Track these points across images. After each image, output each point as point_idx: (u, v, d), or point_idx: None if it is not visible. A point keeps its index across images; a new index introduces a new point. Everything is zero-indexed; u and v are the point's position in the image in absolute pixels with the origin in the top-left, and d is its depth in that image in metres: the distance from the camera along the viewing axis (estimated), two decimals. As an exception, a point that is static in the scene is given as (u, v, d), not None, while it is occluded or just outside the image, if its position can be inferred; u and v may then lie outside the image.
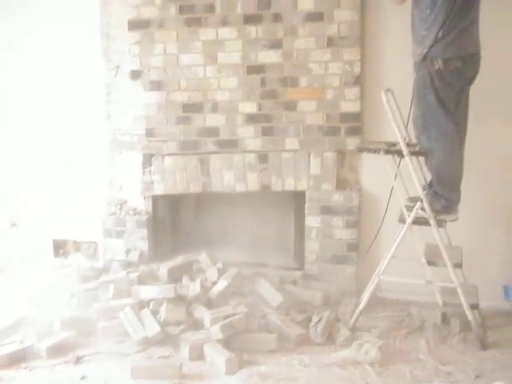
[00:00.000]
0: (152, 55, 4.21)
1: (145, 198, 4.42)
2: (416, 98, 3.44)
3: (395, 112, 3.51)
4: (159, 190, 4.33)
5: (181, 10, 4.14)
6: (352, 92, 4.03)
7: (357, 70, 4.00)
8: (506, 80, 3.85)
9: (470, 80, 3.39)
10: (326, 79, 4.05)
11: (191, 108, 4.21)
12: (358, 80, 4.01)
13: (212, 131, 4.21)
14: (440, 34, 3.24)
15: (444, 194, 3.44)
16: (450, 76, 3.29)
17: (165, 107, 4.24)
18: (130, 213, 4.43)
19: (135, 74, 4.25)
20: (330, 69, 4.03)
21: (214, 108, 4.18)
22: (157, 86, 4.23)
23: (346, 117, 4.06)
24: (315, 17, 4.00)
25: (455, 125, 3.38)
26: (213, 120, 4.20)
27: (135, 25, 4.20)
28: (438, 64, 3.27)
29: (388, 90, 3.47)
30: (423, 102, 3.38)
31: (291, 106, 4.11)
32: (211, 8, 4.10)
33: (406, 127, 3.57)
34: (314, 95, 4.08)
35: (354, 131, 4.06)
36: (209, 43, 4.14)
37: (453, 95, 3.35)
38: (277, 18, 4.04)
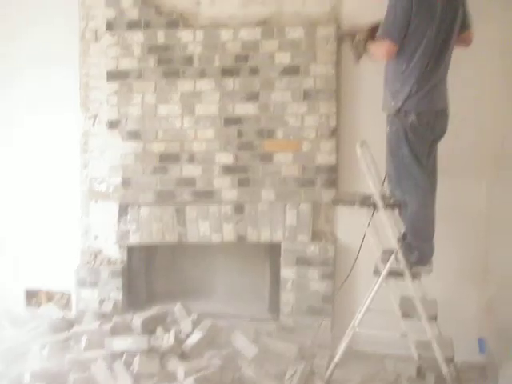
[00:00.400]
0: (130, 105, 4.24)
1: (120, 247, 4.38)
2: (389, 152, 3.48)
3: (370, 165, 3.55)
4: (135, 239, 4.30)
5: (159, 61, 4.19)
6: (328, 144, 4.09)
7: (332, 122, 4.07)
8: (475, 136, 3.95)
9: (440, 135, 3.47)
10: (302, 132, 4.10)
11: (168, 158, 4.23)
12: (334, 133, 4.08)
13: (188, 182, 4.23)
14: (414, 89, 3.30)
15: (418, 246, 3.46)
16: (423, 130, 3.35)
17: (142, 157, 4.25)
18: (105, 262, 4.39)
19: (113, 124, 4.27)
20: (306, 121, 4.09)
21: (191, 159, 4.20)
22: (134, 135, 4.25)
23: (321, 169, 4.10)
24: (292, 70, 4.08)
25: (427, 177, 3.43)
26: (189, 170, 4.22)
27: (114, 75, 4.24)
28: (412, 118, 3.33)
29: (363, 143, 3.52)
30: (397, 155, 3.42)
31: (267, 158, 4.15)
32: (189, 60, 4.16)
33: (384, 181, 3.60)
34: (290, 147, 4.13)
35: (330, 183, 4.11)
36: (186, 95, 4.18)
37: (425, 148, 3.41)
38: (254, 71, 4.11)
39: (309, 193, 4.13)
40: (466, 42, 3.52)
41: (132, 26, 4.21)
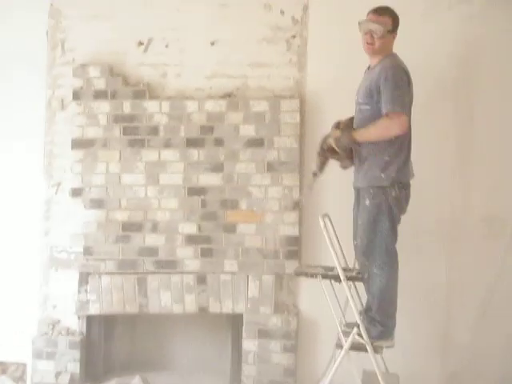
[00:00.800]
0: (94, 174, 4.23)
1: (79, 317, 4.29)
2: (367, 225, 3.42)
3: (332, 237, 3.57)
4: (95, 309, 4.22)
5: (125, 130, 4.22)
6: (291, 216, 4.11)
7: (295, 194, 4.10)
8: (438, 212, 4.05)
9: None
10: (265, 203, 4.13)
11: (131, 227, 4.20)
12: (297, 205, 4.11)
13: (151, 251, 4.19)
14: (402, 160, 3.37)
15: (381, 320, 3.43)
16: (403, 203, 3.40)
17: (104, 225, 4.22)
18: (63, 333, 4.28)
19: (76, 192, 4.25)
20: (270, 193, 4.13)
21: (154, 228, 4.19)
22: (97, 204, 4.23)
23: (284, 240, 4.12)
24: (256, 143, 4.14)
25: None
26: (152, 240, 4.19)
27: (79, 144, 4.24)
28: (395, 191, 3.35)
29: (325, 215, 3.55)
30: (375, 229, 3.39)
31: (231, 229, 4.15)
32: (155, 130, 4.20)
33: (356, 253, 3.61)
34: (253, 218, 4.14)
35: (293, 255, 4.11)
36: (151, 164, 4.20)
37: (399, 221, 3.44)
38: (219, 142, 4.16)
39: (271, 264, 4.12)
40: None
41: (99, 95, 4.25)
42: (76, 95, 4.26)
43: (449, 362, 4.02)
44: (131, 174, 4.22)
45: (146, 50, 4.33)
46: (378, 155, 3.38)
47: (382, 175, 3.36)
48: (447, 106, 4.08)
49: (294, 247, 4.12)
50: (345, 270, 3.47)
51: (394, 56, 3.41)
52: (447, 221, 4.08)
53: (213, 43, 4.30)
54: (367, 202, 3.40)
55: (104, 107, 4.24)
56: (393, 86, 3.23)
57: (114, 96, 4.24)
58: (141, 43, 4.34)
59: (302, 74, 4.24)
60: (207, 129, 4.17)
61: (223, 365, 4.35)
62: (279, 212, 4.12)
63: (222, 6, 4.31)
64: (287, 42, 4.26)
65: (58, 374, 4.20)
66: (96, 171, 4.23)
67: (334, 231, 3.63)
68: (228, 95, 4.24)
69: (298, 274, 3.74)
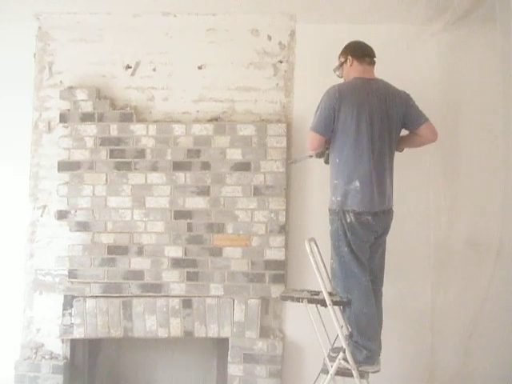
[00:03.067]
0: (80, 196, 4.22)
1: (63, 341, 4.25)
2: (332, 250, 3.51)
3: (318, 261, 3.58)
4: (79, 333, 4.18)
5: (111, 153, 4.22)
6: (277, 240, 4.12)
7: (282, 218, 4.11)
8: (424, 236, 4.09)
9: (382, 233, 3.52)
10: (251, 227, 4.14)
11: (116, 250, 4.19)
12: (283, 228, 4.12)
13: (136, 274, 4.18)
14: (344, 183, 3.40)
15: (365, 344, 3.43)
16: (362, 230, 3.40)
17: (90, 248, 4.20)
18: (46, 357, 4.23)
19: (62, 214, 4.23)
20: (256, 217, 4.13)
21: (140, 251, 4.17)
22: (83, 226, 4.21)
23: (270, 264, 4.12)
24: (242, 166, 4.15)
25: (369, 276, 3.45)
26: (138, 263, 4.18)
27: (65, 166, 4.23)
28: (350, 217, 3.38)
29: (311, 240, 3.56)
30: (338, 254, 3.45)
31: (217, 252, 4.15)
32: (141, 153, 4.20)
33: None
34: (239, 242, 4.14)
35: (278, 279, 4.11)
36: (137, 187, 4.20)
37: (365, 247, 3.45)
38: (205, 166, 4.18)
39: (257, 288, 4.12)
40: (427, 136, 3.58)
41: (86, 118, 4.25)
42: (63, 118, 4.26)
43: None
44: (117, 196, 4.21)
45: (133, 73, 4.35)
46: (331, 177, 3.51)
47: (333, 198, 3.47)
48: None
49: (280, 271, 4.12)
50: (330, 294, 3.47)
51: (333, 84, 3.53)
52: (433, 245, 4.12)
53: (200, 67, 4.32)
54: (329, 227, 3.50)
55: (91, 130, 4.24)
56: (317, 106, 3.48)
57: (100, 119, 4.24)
58: (128, 66, 4.36)
59: (289, 99, 4.29)
60: (194, 152, 4.18)
61: (208, 388, 4.31)
62: (265, 236, 4.13)
63: (210, 30, 4.34)
64: (274, 67, 4.31)
65: (41, 400, 4.13)
66: (82, 194, 4.22)
67: (320, 255, 3.64)
68: (215, 119, 4.26)
69: (284, 298, 3.70)
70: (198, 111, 4.31)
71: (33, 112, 4.40)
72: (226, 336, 4.13)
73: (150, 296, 4.17)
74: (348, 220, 3.38)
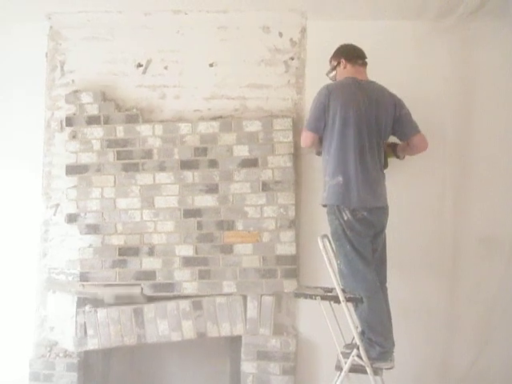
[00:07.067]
0: (89, 199, 4.22)
1: (78, 354, 4.23)
2: (336, 250, 3.54)
3: (331, 258, 3.55)
4: (93, 344, 4.15)
5: (119, 155, 4.21)
6: (288, 235, 4.10)
7: (292, 213, 4.09)
8: (436, 233, 4.06)
9: (380, 231, 3.52)
10: (261, 223, 4.12)
11: (127, 251, 4.18)
12: (293, 223, 4.09)
13: (148, 275, 4.17)
14: (340, 184, 3.43)
15: (377, 340, 3.42)
16: (360, 226, 3.40)
17: (100, 251, 4.20)
18: (61, 355, 4.24)
19: (71, 218, 4.23)
20: (266, 212, 4.11)
21: (151, 251, 4.17)
22: (93, 229, 4.21)
23: (282, 259, 4.10)
24: (250, 163, 4.13)
25: (374, 271, 3.45)
26: (149, 263, 4.17)
27: (73, 169, 4.24)
28: (347, 215, 3.40)
29: (324, 236, 3.54)
30: (342, 253, 3.46)
31: (228, 249, 4.13)
32: (149, 154, 4.19)
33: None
34: (250, 238, 4.12)
35: (291, 273, 4.09)
36: (146, 187, 4.19)
37: (367, 243, 3.44)
38: (213, 163, 4.16)
39: (270, 283, 4.10)
40: (418, 147, 3.66)
41: (92, 121, 4.25)
42: (69, 121, 4.26)
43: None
44: (126, 198, 4.21)
45: (144, 71, 4.34)
46: (323, 174, 3.57)
47: (324, 194, 3.51)
48: (444, 127, 4.11)
49: (292, 266, 4.09)
50: (343, 291, 3.43)
51: (326, 83, 3.63)
52: (445, 242, 4.09)
53: (211, 65, 4.31)
54: (329, 229, 3.52)
55: (97, 132, 4.24)
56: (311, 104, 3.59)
57: (106, 121, 4.23)
58: (140, 65, 4.34)
59: (301, 96, 4.26)
60: (201, 150, 4.17)
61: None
62: (275, 231, 4.11)
63: (221, 27, 4.33)
64: (285, 64, 4.28)
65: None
66: (91, 197, 4.22)
67: (333, 251, 3.61)
68: (220, 116, 4.22)
69: (297, 295, 3.69)
70: (209, 109, 4.29)
71: (45, 111, 4.41)
72: (238, 334, 4.12)
73: (161, 298, 4.16)
74: (345, 218, 3.40)
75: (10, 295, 4.42)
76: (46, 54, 4.44)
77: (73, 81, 4.38)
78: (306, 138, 3.61)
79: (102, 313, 4.16)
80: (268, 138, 4.13)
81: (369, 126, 3.45)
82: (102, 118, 4.24)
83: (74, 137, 4.25)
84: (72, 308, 4.23)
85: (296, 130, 4.13)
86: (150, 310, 4.15)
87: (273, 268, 4.10)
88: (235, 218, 4.14)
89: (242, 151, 4.15)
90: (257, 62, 4.30)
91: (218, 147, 4.16)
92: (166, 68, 4.35)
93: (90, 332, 4.16)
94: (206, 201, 4.16)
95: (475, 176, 4.12)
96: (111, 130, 4.23)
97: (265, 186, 4.12)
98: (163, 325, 4.14)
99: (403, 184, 3.96)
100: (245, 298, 4.13)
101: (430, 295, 4.07)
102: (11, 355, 4.36)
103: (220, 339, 4.21)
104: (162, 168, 4.18)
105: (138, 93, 4.34)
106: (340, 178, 3.41)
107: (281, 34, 4.30)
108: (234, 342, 4.17)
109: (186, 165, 4.18)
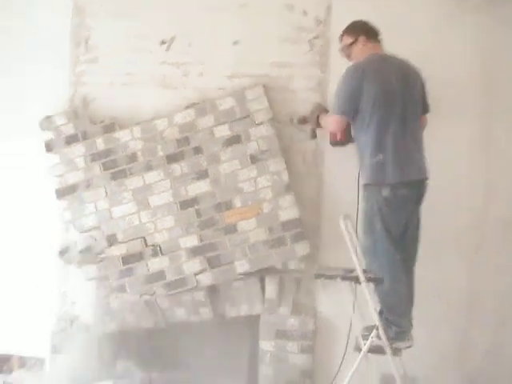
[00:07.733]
0: (83, 216, 4.16)
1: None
2: (363, 225, 3.47)
3: (353, 238, 3.49)
4: (110, 329, 4.16)
5: (104, 166, 4.17)
6: (287, 200, 4.02)
7: (285, 177, 4.03)
8: (457, 217, 4.03)
9: (417, 202, 3.46)
10: (258, 194, 4.05)
11: (131, 259, 4.11)
12: (289, 187, 4.02)
13: (157, 276, 4.08)
14: (370, 158, 3.39)
15: (393, 320, 3.37)
16: (399, 203, 3.35)
17: (104, 265, 4.15)
18: (81, 329, 4.19)
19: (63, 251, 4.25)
20: (260, 183, 4.05)
21: (155, 252, 4.09)
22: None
23: (287, 224, 4.01)
24: (233, 140, 4.09)
25: (401, 253, 3.38)
26: (156, 264, 4.08)
27: (62, 192, 4.19)
28: (386, 192, 3.33)
29: (346, 216, 3.47)
30: (369, 230, 3.40)
31: (231, 229, 4.04)
32: (133, 157, 4.15)
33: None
34: (250, 213, 4.04)
35: (299, 236, 3.99)
36: (137, 190, 4.13)
37: (400, 223, 3.38)
38: (197, 150, 4.11)
39: (281, 252, 4.00)
40: (424, 124, 3.67)
41: (70, 140, 4.22)
42: (48, 147, 4.22)
43: (467, 368, 3.97)
44: (120, 205, 4.15)
45: (168, 48, 4.30)
46: (359, 154, 3.52)
47: (366, 174, 3.44)
48: (466, 110, 4.09)
49: (298, 229, 4.00)
50: (364, 271, 3.36)
51: (354, 63, 3.55)
52: (467, 226, 4.05)
53: (235, 42, 4.27)
54: (364, 204, 3.46)
55: (78, 150, 4.20)
56: (335, 93, 3.53)
57: (84, 137, 4.21)
58: (163, 42, 4.31)
59: (325, 75, 4.20)
60: (183, 141, 4.13)
61: (239, 366, 4.22)
62: (274, 199, 4.03)
63: (245, 5, 4.26)
64: (310, 43, 4.23)
65: (75, 369, 4.06)
66: (85, 213, 4.17)
67: (355, 231, 3.55)
68: (193, 103, 4.20)
69: (318, 276, 3.59)
70: (232, 87, 4.22)
71: (69, 87, 4.37)
72: (257, 313, 4.06)
73: (174, 293, 4.09)
74: (384, 195, 3.33)
75: (33, 270, 4.36)
76: (71, 30, 4.38)
77: (97, 57, 4.33)
78: (337, 121, 3.53)
79: (115, 303, 4.17)
80: (244, 111, 4.09)
81: (405, 102, 3.41)
82: (79, 135, 4.22)
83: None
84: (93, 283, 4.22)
85: (270, 96, 4.11)
86: (162, 302, 4.12)
87: (280, 235, 4.01)
88: (232, 197, 4.06)
89: (223, 131, 4.10)
90: (281, 40, 4.23)
91: (198, 133, 4.12)
92: (189, 45, 4.29)
93: (106, 318, 4.16)
94: (199, 188, 4.09)
95: (497, 158, 4.10)
96: (91, 144, 4.19)
97: (253, 159, 4.06)
98: (180, 311, 4.10)
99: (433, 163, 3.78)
100: (262, 279, 4.05)
101: (451, 277, 4.01)
102: (33, 328, 4.30)
103: (238, 318, 4.12)
104: (149, 168, 4.14)
105: (161, 69, 4.30)
106: (380, 156, 3.35)
107: (305, 13, 4.22)
108: (252, 320, 4.10)
109: (171, 158, 4.13)
